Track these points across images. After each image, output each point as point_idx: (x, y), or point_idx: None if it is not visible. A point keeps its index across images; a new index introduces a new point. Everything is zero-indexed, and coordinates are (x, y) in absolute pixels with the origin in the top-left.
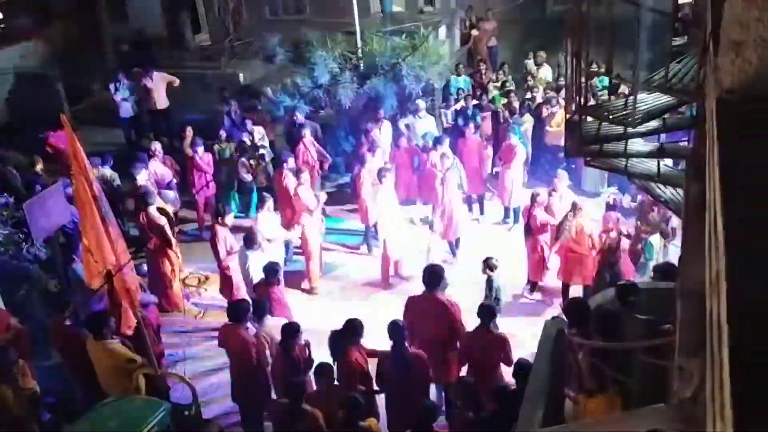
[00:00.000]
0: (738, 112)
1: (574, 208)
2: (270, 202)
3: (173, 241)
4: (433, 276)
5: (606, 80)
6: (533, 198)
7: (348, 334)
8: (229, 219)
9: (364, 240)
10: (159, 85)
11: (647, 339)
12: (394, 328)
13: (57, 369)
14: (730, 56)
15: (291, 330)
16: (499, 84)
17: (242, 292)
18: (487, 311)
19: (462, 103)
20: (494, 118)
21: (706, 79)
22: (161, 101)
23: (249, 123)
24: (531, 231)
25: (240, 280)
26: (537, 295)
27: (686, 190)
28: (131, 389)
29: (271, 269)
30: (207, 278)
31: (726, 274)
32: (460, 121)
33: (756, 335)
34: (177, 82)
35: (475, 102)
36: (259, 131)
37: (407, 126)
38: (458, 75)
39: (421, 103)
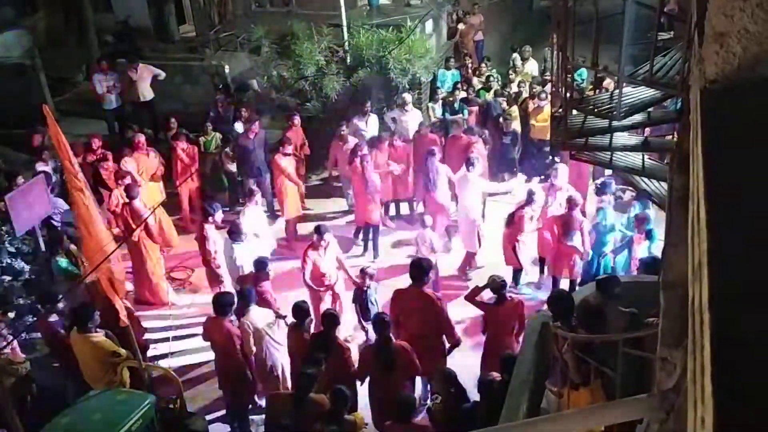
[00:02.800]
0: (722, 103)
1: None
2: (258, 196)
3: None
4: (420, 270)
5: (584, 73)
6: (529, 196)
7: (330, 326)
8: (218, 217)
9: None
10: (144, 77)
11: (631, 331)
12: (378, 322)
13: (42, 361)
14: (714, 47)
15: (303, 310)
16: (483, 78)
17: (229, 286)
18: (500, 285)
19: (458, 93)
20: (481, 112)
21: (691, 70)
22: (146, 93)
23: (245, 112)
24: (512, 223)
25: (226, 274)
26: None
27: (670, 182)
28: (115, 382)
29: (261, 264)
30: (193, 271)
31: (708, 262)
32: (448, 115)
33: (737, 322)
34: (162, 74)
35: (462, 95)
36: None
37: (393, 119)
38: (447, 69)
39: (408, 97)
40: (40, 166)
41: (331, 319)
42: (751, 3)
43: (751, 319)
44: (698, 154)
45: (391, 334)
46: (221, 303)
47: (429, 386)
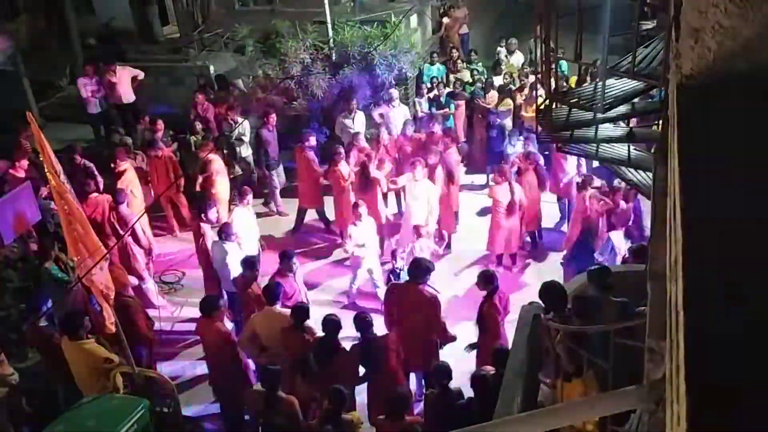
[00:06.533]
0: (698, 99)
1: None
2: (249, 197)
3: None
4: (419, 268)
5: (564, 64)
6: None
7: (332, 333)
8: (212, 214)
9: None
10: (123, 79)
11: (622, 321)
12: (360, 322)
13: (35, 369)
14: (689, 42)
15: (303, 311)
16: (466, 72)
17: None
18: (489, 279)
19: (435, 91)
20: (468, 106)
21: (669, 65)
22: (127, 96)
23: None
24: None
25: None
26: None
27: (654, 173)
28: (109, 389)
29: (248, 263)
30: (184, 274)
31: (683, 260)
32: (434, 110)
33: (712, 321)
34: (141, 75)
35: (448, 90)
36: (244, 125)
37: (381, 115)
38: (432, 63)
39: (395, 93)
40: None
41: (332, 325)
42: None
43: (726, 318)
44: (674, 150)
45: (375, 332)
46: (209, 304)
47: (423, 381)
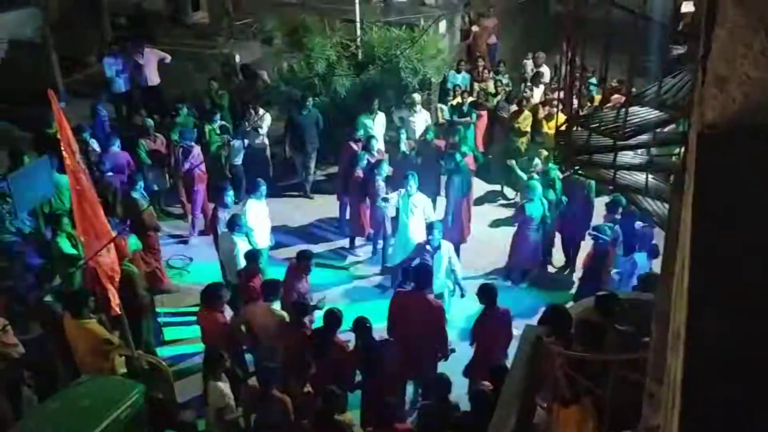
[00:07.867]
0: (719, 149)
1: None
2: (263, 188)
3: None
4: (423, 275)
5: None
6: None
7: (331, 325)
8: (229, 199)
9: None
10: (150, 61)
11: (626, 351)
12: (359, 327)
13: (36, 343)
14: (713, 91)
15: (302, 307)
16: (492, 83)
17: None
18: (490, 293)
19: (458, 99)
20: (490, 117)
21: (692, 110)
22: (152, 78)
23: (260, 109)
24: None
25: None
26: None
27: (670, 209)
28: (107, 369)
29: (251, 256)
30: (191, 260)
31: (685, 336)
32: (456, 117)
33: (708, 404)
34: (168, 58)
35: (471, 99)
36: (264, 116)
37: (401, 119)
38: (458, 71)
39: (417, 97)
40: None
41: (332, 318)
42: (753, 49)
43: (722, 401)
44: (688, 203)
45: (375, 338)
46: (211, 295)
47: (420, 390)
